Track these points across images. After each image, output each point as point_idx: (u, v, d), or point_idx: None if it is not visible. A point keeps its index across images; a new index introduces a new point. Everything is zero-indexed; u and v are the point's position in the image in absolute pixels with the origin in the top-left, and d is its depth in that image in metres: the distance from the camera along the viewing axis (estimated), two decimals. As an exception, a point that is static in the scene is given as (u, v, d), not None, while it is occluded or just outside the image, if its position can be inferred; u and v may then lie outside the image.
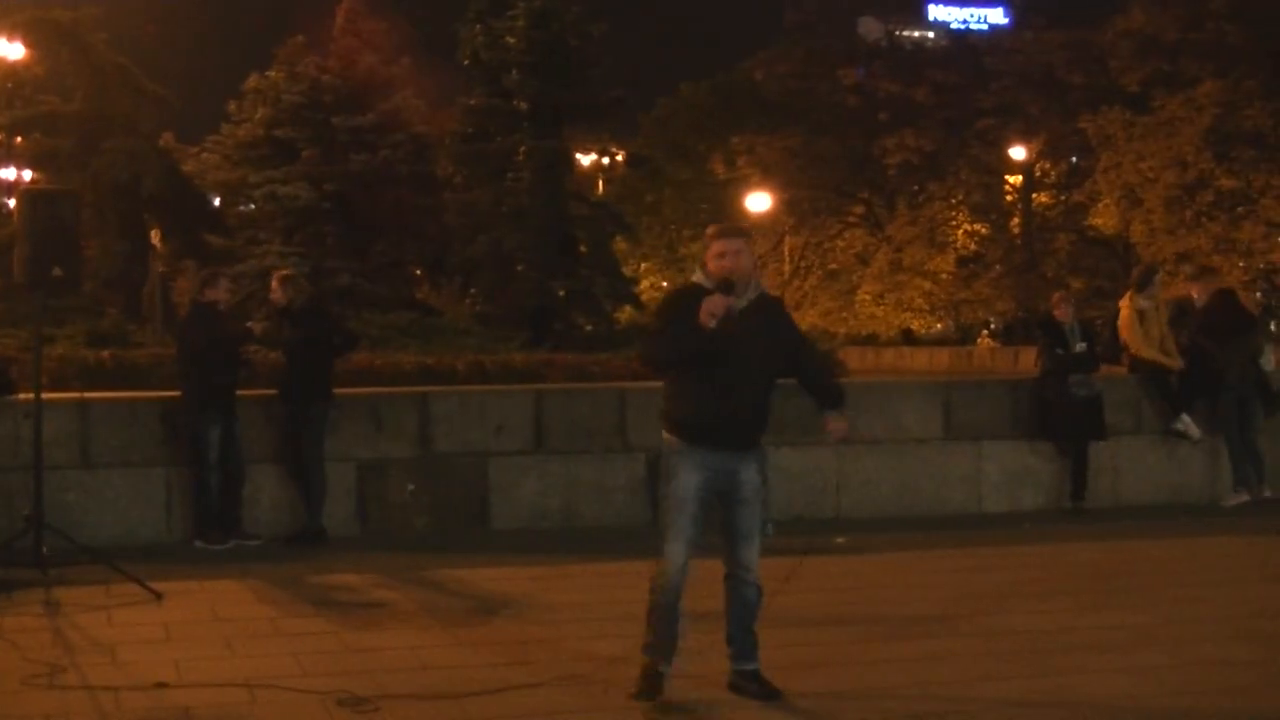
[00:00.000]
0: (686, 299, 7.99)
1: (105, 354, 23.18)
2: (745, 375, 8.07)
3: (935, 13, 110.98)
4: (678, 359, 8.01)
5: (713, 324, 7.71)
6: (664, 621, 8.11)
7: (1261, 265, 57.60)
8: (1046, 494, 15.97)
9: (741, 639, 8.33)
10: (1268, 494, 16.09)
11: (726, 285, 7.90)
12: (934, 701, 8.22)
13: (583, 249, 40.72)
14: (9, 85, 42.90)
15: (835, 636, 9.89)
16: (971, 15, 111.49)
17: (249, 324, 14.22)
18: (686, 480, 8.03)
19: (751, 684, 8.23)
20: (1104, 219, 64.45)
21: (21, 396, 13.54)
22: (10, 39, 41.77)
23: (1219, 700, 8.21)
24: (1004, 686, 8.51)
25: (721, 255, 8.03)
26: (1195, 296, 17.03)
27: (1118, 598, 11.09)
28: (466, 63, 40.71)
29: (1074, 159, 69.44)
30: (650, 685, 8.09)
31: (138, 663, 8.95)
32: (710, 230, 8.34)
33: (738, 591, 8.30)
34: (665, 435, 8.19)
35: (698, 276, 8.16)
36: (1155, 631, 9.89)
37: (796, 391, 8.56)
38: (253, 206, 40.61)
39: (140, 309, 35.85)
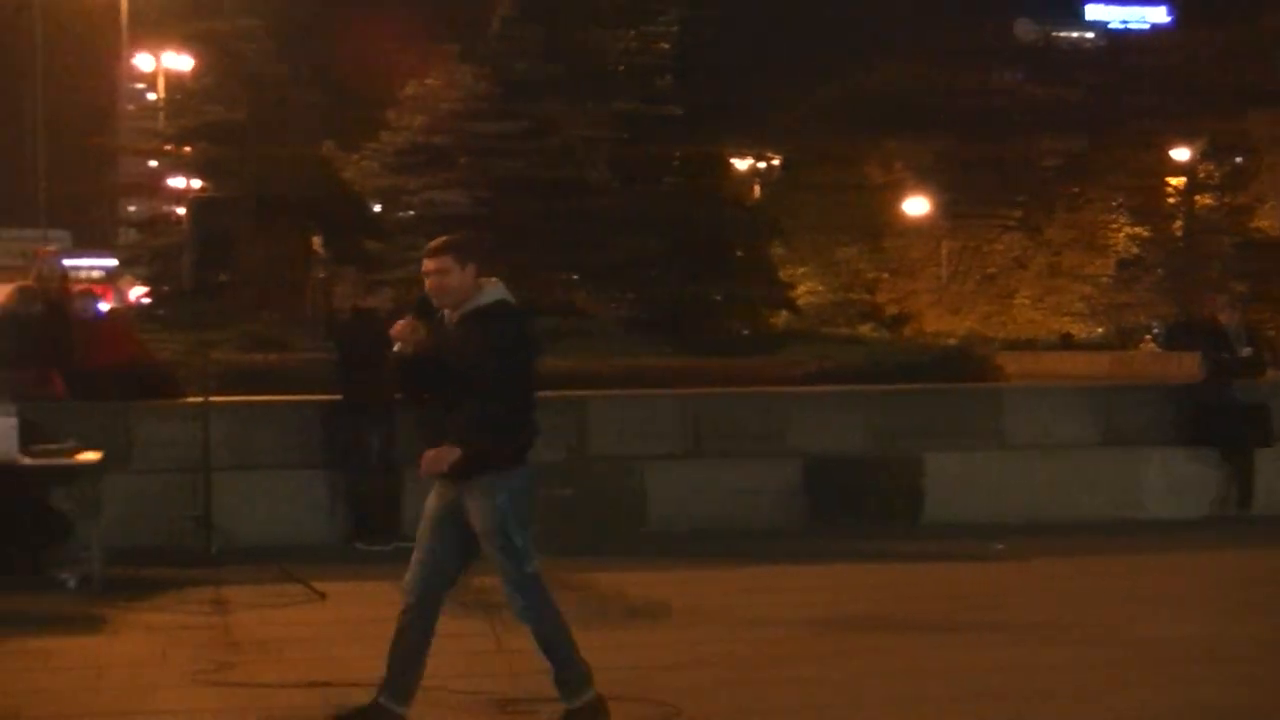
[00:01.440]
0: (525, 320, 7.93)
1: (266, 358, 23.53)
2: (451, 397, 7.77)
3: (1093, 12, 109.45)
4: (402, 386, 8.20)
5: (397, 347, 7.66)
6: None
7: None
8: (1210, 502, 15.70)
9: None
10: None
11: (422, 303, 7.76)
12: (1052, 709, 8.15)
13: (737, 254, 40.66)
14: (178, 96, 43.76)
15: (964, 640, 9.80)
16: (1131, 14, 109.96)
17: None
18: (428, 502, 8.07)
19: None
20: (1270, 221, 63.34)
21: (187, 400, 13.82)
22: (180, 51, 42.64)
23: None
24: (1127, 696, 8.41)
25: (426, 275, 7.76)
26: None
27: (1259, 608, 10.91)
28: (619, 68, 40.84)
29: (1238, 160, 68.29)
30: None
31: (301, 661, 9.10)
32: (427, 247, 8.06)
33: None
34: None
35: (502, 291, 7.81)
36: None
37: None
38: (410, 213, 41.02)
39: (300, 314, 36.35)
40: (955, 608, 10.99)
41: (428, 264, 7.73)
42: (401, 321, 7.66)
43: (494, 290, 7.68)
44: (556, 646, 7.78)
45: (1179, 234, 70.87)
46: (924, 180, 69.68)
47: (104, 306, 18.56)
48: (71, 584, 11.29)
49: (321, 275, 38.47)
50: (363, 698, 8.10)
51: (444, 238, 7.98)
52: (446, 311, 7.63)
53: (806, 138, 73.91)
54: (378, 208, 44.25)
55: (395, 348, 7.64)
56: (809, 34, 72.73)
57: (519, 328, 7.76)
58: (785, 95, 45.41)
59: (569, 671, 7.74)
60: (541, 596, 7.86)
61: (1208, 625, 10.31)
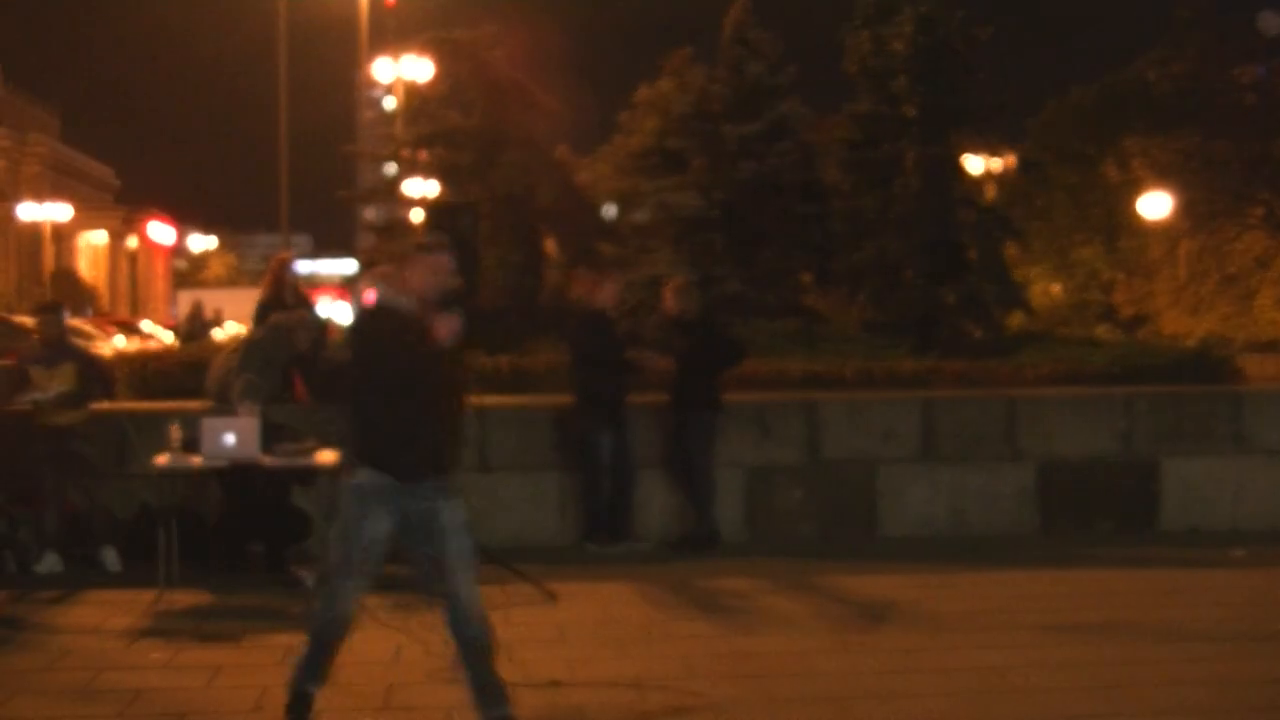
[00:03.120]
0: (398, 322, 7.59)
1: (501, 360, 23.80)
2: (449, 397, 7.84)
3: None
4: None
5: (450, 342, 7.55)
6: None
7: None
8: None
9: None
10: None
11: (450, 303, 7.65)
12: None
13: (971, 255, 40.26)
14: (416, 102, 44.55)
15: (1217, 651, 9.61)
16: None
17: (637, 357, 14.28)
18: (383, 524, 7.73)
19: None
20: None
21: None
22: (419, 57, 43.42)
23: None
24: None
25: (437, 270, 7.67)
26: None
27: None
28: (853, 69, 40.65)
29: None
30: None
31: (532, 661, 9.21)
32: (420, 242, 8.02)
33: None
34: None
35: (387, 296, 7.66)
36: None
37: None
38: (643, 215, 41.25)
39: (535, 317, 36.75)
40: (1201, 615, 10.80)
41: (445, 262, 7.75)
42: (445, 318, 7.58)
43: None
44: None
45: None
46: (1163, 178, 68.32)
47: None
48: (310, 582, 11.54)
49: (556, 278, 38.87)
50: (595, 696, 8.19)
51: (435, 234, 8.34)
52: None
53: (1044, 137, 72.96)
54: (612, 210, 44.57)
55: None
56: (1054, 34, 71.76)
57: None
58: (1024, 95, 44.98)
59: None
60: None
61: None
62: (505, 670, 8.95)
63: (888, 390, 17.90)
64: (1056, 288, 74.02)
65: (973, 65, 39.83)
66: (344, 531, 7.69)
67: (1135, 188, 69.54)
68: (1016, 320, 43.08)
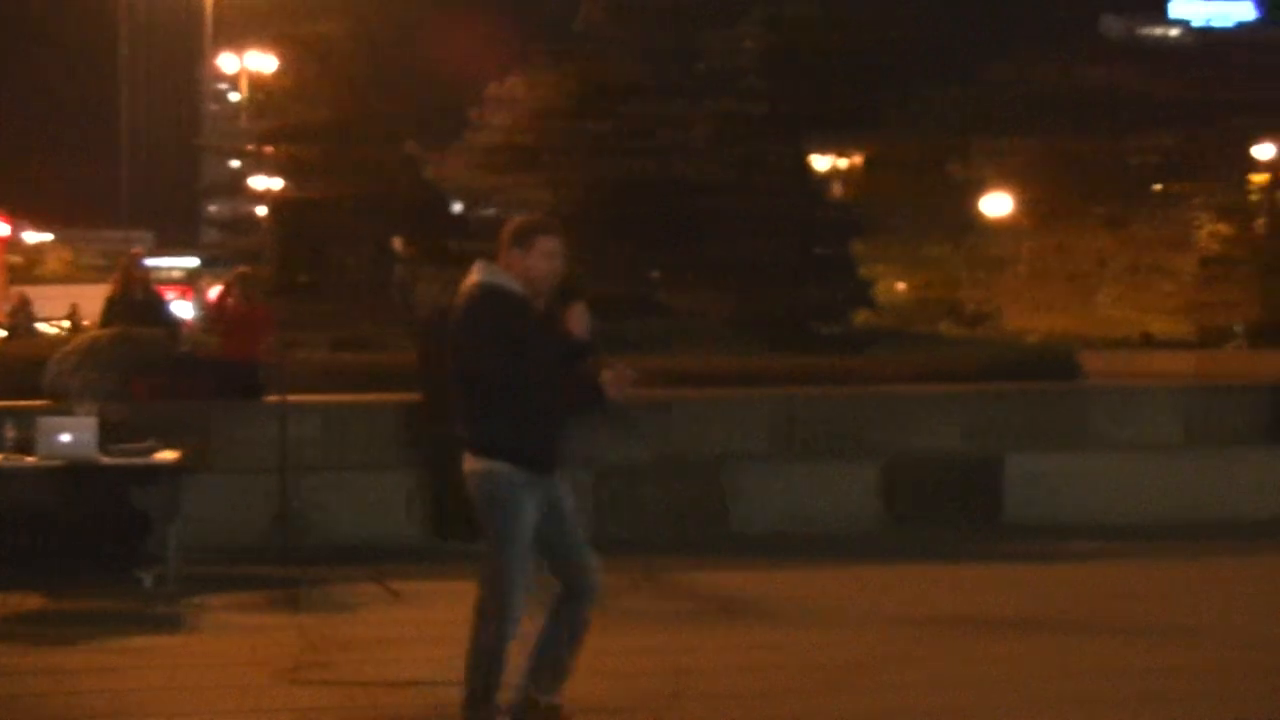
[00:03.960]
0: (518, 304, 7.24)
1: (351, 358, 23.64)
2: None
3: (1178, 10, 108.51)
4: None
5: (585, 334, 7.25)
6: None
7: None
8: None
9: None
10: None
11: (571, 292, 7.36)
12: (1197, 714, 8.08)
13: (824, 252, 40.58)
14: (260, 97, 44.10)
15: (1070, 642, 9.74)
16: (1216, 10, 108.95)
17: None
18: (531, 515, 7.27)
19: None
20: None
21: (270, 399, 13.93)
22: (262, 52, 42.98)
23: None
24: (1260, 704, 8.34)
25: (554, 255, 7.32)
26: None
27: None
28: (709, 68, 40.82)
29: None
30: None
31: (392, 660, 9.15)
32: (534, 223, 7.50)
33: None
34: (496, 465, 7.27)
35: (497, 278, 7.26)
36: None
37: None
38: (494, 212, 41.12)
39: (384, 314, 36.52)
40: (1048, 607, 10.95)
41: (559, 244, 7.37)
42: (577, 310, 7.27)
43: None
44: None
45: (1264, 231, 70.17)
46: (1008, 178, 69.31)
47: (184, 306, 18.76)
48: (148, 583, 11.37)
49: (404, 276, 38.66)
50: (453, 696, 8.13)
51: (550, 217, 7.68)
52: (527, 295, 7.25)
53: (894, 136, 73.69)
54: (460, 207, 44.40)
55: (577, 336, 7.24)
56: (909, 36, 72.32)
57: None
58: (877, 96, 45.20)
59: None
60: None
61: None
62: (359, 669, 8.90)
63: (741, 387, 17.98)
64: (902, 285, 74.91)
65: (826, 65, 40.10)
66: (498, 531, 7.24)
67: (982, 187, 70.50)
68: (863, 317, 43.48)
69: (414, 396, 14.12)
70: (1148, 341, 72.01)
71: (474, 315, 7.19)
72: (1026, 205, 70.73)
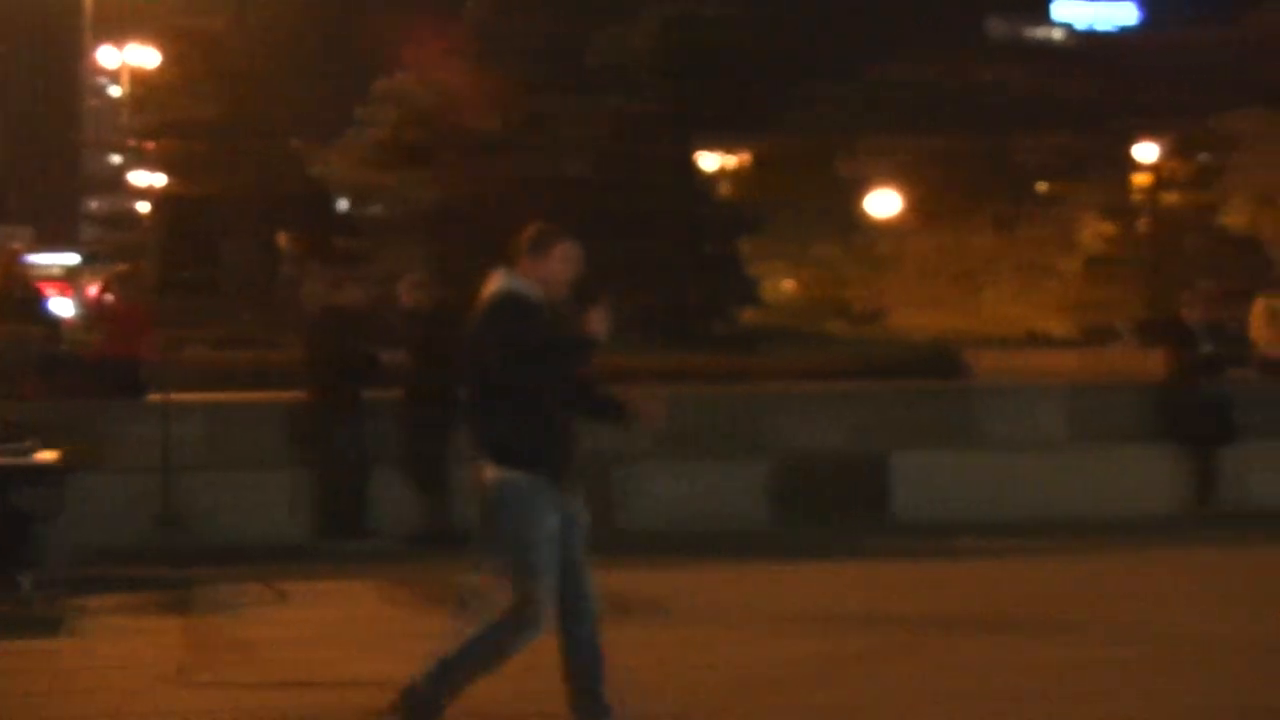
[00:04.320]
0: (537, 313, 7.23)
1: (237, 356, 23.47)
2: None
3: (1061, 11, 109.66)
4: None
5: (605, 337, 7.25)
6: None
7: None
8: (1175, 498, 15.72)
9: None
10: None
11: (589, 295, 7.38)
12: (1063, 709, 8.12)
13: (711, 250, 40.68)
14: (142, 92, 43.60)
15: (955, 639, 9.79)
16: (1099, 13, 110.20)
17: (373, 351, 14.18)
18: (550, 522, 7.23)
19: None
20: (1235, 219, 63.49)
21: (153, 399, 13.76)
22: (144, 45, 42.48)
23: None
24: (1147, 696, 8.38)
25: (570, 260, 7.40)
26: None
27: (1263, 604, 10.92)
28: (598, 66, 40.80)
29: (1207, 157, 68.51)
30: None
31: (269, 661, 9.04)
32: (552, 229, 7.51)
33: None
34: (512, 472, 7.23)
35: (516, 284, 7.25)
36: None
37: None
38: (381, 209, 40.92)
39: (270, 311, 36.25)
40: (934, 603, 10.99)
41: (576, 250, 7.43)
42: (598, 313, 7.23)
43: None
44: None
45: (1147, 231, 71.06)
46: (897, 176, 69.78)
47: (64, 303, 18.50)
48: (27, 585, 11.16)
49: (290, 273, 38.38)
50: (337, 697, 8.05)
51: (551, 223, 7.65)
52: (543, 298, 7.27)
53: (784, 134, 73.94)
54: (346, 204, 44.15)
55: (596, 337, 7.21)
56: (799, 35, 72.52)
57: None
58: (767, 95, 45.41)
59: (435, 695, 7.23)
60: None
61: (1223, 622, 10.26)
62: (242, 671, 8.79)
63: (630, 385, 17.95)
64: (790, 283, 75.21)
65: (717, 63, 40.18)
66: (517, 539, 7.15)
67: (870, 186, 70.92)
68: (753, 316, 43.62)
69: (300, 395, 14.01)
70: (1034, 340, 72.76)
71: (492, 323, 7.16)
72: (914, 204, 71.25)
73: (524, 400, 7.14)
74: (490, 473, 7.22)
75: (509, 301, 7.17)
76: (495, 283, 7.24)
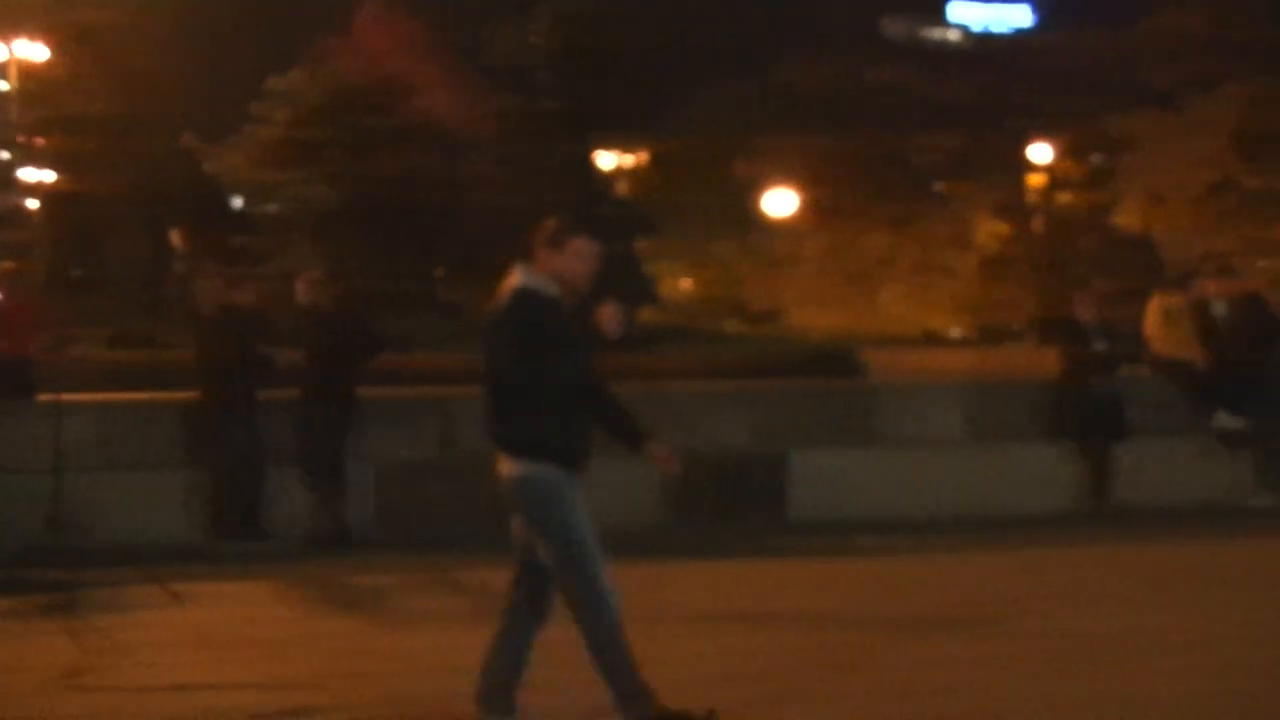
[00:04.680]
0: (553, 307, 7.30)
1: (128, 355, 23.21)
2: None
3: (956, 13, 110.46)
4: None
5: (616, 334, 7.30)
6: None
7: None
8: (1070, 496, 15.84)
9: None
10: None
11: (603, 292, 7.42)
12: (972, 704, 8.13)
13: (608, 250, 40.71)
14: (30, 86, 43.00)
15: (863, 637, 9.80)
16: (994, 15, 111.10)
17: (268, 350, 14.07)
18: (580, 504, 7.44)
19: None
20: (1127, 219, 64.20)
21: (43, 398, 13.57)
22: (32, 40, 41.87)
23: (1256, 703, 8.13)
24: (1049, 688, 8.41)
25: (586, 256, 7.45)
26: (1212, 295, 16.89)
27: (1154, 599, 11.02)
28: (493, 64, 40.71)
29: (1100, 158, 69.25)
30: None
31: (160, 664, 8.92)
32: (567, 225, 7.52)
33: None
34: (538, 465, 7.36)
35: (534, 280, 7.30)
36: (1201, 633, 9.78)
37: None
38: (276, 207, 40.63)
39: (163, 310, 35.89)
40: (834, 601, 11.00)
41: (592, 245, 7.49)
42: (611, 309, 7.30)
43: None
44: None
45: (1042, 231, 71.73)
46: (793, 176, 70.06)
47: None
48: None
49: (182, 271, 38.01)
50: (229, 699, 7.94)
51: (571, 218, 7.67)
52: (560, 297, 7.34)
53: (681, 133, 74.06)
54: (240, 202, 43.81)
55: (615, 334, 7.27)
56: (696, 34, 72.62)
57: None
58: (664, 93, 45.53)
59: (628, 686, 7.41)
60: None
61: (1115, 618, 10.33)
62: (131, 674, 8.66)
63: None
64: (687, 282, 75.37)
65: (613, 61, 40.20)
66: (558, 529, 7.33)
67: (766, 185, 71.18)
68: (648, 315, 43.67)
69: (194, 395, 13.84)
70: (930, 339, 73.29)
71: (510, 318, 7.20)
72: (811, 204, 71.56)
73: (539, 394, 7.22)
74: (507, 468, 7.34)
75: (525, 298, 7.22)
76: (513, 278, 7.29)
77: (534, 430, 7.27)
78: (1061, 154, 69.27)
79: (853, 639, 9.68)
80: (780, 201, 69.71)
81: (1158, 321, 16.56)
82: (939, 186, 71.94)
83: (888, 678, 8.62)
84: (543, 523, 7.31)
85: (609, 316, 7.23)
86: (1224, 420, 16.16)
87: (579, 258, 7.35)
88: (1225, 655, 9.13)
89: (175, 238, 40.69)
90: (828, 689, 8.37)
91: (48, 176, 39.81)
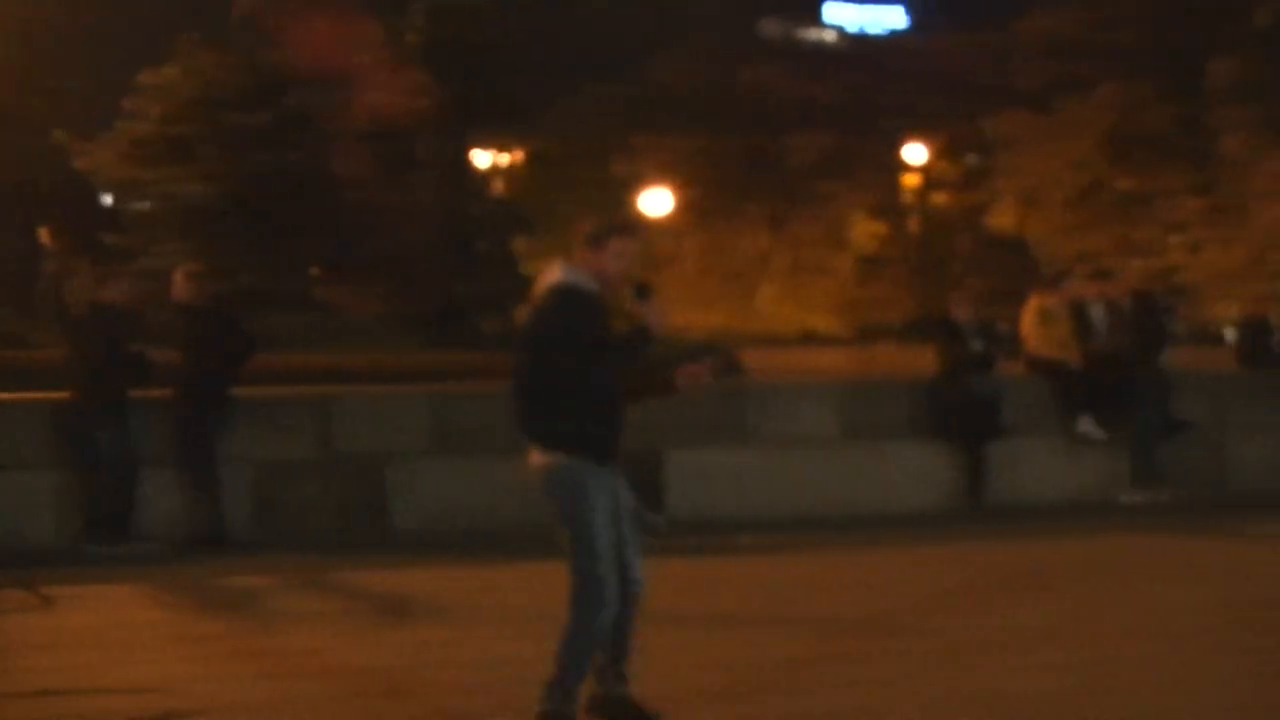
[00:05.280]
0: (594, 304, 7.40)
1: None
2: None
3: (832, 14, 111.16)
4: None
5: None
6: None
7: (1157, 266, 58.15)
8: (945, 494, 15.97)
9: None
10: (1165, 498, 16.12)
11: (645, 290, 7.50)
12: (833, 702, 8.17)
13: (484, 248, 40.57)
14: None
15: (726, 636, 9.82)
16: (869, 16, 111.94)
17: (141, 350, 13.89)
18: (603, 502, 7.51)
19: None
20: (1002, 219, 64.87)
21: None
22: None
23: (1131, 698, 8.23)
24: (909, 685, 8.48)
25: (624, 255, 7.53)
26: (1090, 297, 17.12)
27: (1023, 596, 11.14)
28: (368, 60, 40.42)
29: (974, 159, 69.91)
30: None
31: (30, 669, 8.78)
32: (607, 224, 7.73)
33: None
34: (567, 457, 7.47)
35: (575, 277, 7.42)
36: (1064, 629, 9.91)
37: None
38: (148, 205, 40.12)
39: (33, 309, 35.34)
40: (713, 600, 11.02)
41: (632, 244, 7.62)
42: (656, 305, 7.45)
43: None
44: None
45: (917, 232, 72.36)
46: (669, 175, 70.18)
47: None
48: None
49: (53, 269, 37.46)
50: (99, 704, 7.83)
51: (624, 216, 7.74)
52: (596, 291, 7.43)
53: (557, 132, 73.99)
54: (111, 199, 43.24)
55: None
56: (571, 32, 72.55)
57: None
58: (542, 89, 45.49)
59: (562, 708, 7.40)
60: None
61: (978, 615, 10.42)
62: (6, 680, 8.50)
63: (402, 383, 17.80)
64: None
65: (489, 59, 40.02)
66: (574, 521, 7.43)
67: (642, 184, 71.23)
68: (524, 314, 43.48)
69: (65, 395, 13.63)
70: (808, 338, 73.66)
71: (549, 313, 7.37)
72: (688, 203, 71.74)
73: (571, 386, 7.31)
74: (538, 458, 7.51)
75: (565, 293, 7.35)
76: (553, 274, 7.45)
77: (568, 423, 7.39)
78: (936, 155, 69.88)
79: (721, 638, 9.71)
80: (657, 201, 69.78)
81: (1035, 322, 16.74)
82: (815, 187, 72.33)
83: (741, 678, 8.65)
84: (565, 514, 7.48)
85: (656, 311, 7.43)
86: (1087, 427, 16.36)
87: (617, 256, 7.46)
88: (1081, 651, 9.26)
89: (44, 236, 40.05)
90: (673, 688, 8.36)
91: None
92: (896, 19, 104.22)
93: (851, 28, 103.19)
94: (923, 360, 17.12)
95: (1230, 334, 46.41)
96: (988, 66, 65.57)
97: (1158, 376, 16.54)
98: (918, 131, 67.64)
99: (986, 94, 64.24)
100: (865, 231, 72.21)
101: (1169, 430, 16.32)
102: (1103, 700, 8.18)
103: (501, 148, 67.39)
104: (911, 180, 73.04)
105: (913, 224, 73.30)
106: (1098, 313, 16.89)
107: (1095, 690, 8.36)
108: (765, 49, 79.18)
